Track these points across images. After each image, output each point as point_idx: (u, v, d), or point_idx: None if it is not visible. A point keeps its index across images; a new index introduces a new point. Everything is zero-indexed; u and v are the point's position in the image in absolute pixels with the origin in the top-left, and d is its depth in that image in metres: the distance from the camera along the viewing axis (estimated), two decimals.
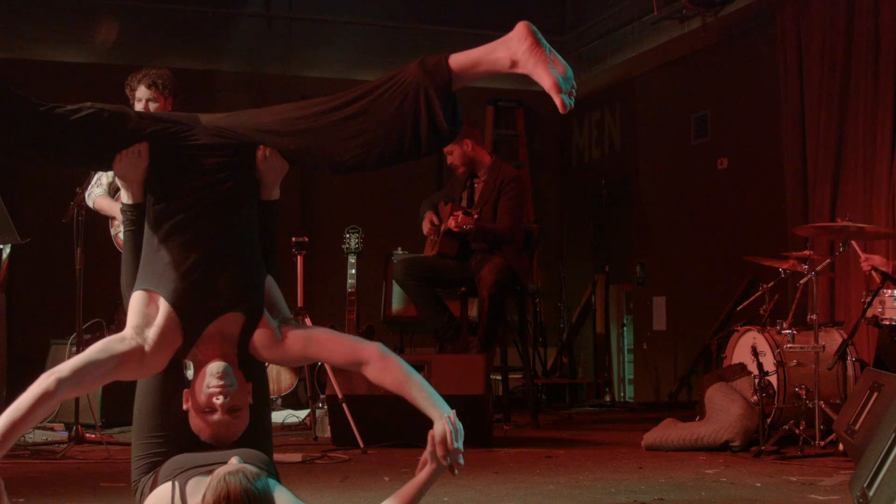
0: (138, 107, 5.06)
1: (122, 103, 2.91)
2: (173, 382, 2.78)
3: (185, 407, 2.73)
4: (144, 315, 2.73)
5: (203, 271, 2.76)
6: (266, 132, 2.86)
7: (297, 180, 8.74)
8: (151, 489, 2.66)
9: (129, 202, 2.90)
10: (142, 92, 5.10)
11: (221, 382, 2.68)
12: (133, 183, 2.86)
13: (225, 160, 2.84)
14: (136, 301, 2.77)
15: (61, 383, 2.61)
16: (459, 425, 2.82)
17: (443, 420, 2.82)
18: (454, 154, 6.34)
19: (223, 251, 2.80)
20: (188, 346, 2.75)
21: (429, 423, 4.28)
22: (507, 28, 2.89)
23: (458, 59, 2.79)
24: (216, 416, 2.69)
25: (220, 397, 2.68)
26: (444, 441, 2.81)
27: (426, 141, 2.76)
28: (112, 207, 5.36)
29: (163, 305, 2.72)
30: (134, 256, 2.88)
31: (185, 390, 2.74)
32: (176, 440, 2.75)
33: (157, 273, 2.76)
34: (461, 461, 2.80)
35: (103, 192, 5.36)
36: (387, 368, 2.79)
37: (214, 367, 2.71)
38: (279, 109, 2.92)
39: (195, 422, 2.71)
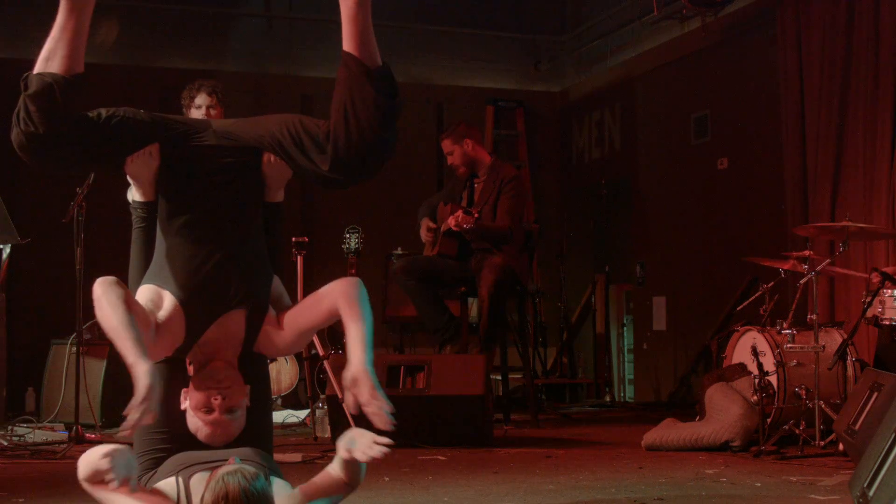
0: (197, 113, 5.13)
1: (122, 103, 2.93)
2: (178, 379, 2.79)
3: (182, 406, 2.74)
4: (152, 301, 2.74)
5: (211, 268, 2.79)
6: (267, 142, 2.89)
7: (298, 181, 8.71)
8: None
9: (140, 200, 2.94)
10: (202, 99, 5.18)
11: (220, 383, 2.69)
12: (145, 182, 2.90)
13: (233, 161, 2.89)
14: (143, 290, 2.79)
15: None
16: (376, 381, 2.67)
17: (359, 367, 2.67)
18: (454, 154, 6.35)
19: (231, 249, 2.83)
20: (189, 343, 2.76)
21: (428, 425, 4.35)
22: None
23: (346, 43, 2.84)
24: (213, 416, 2.69)
25: (218, 397, 2.69)
26: (354, 383, 2.66)
27: (375, 122, 2.73)
28: None
29: (168, 299, 2.74)
30: (142, 253, 2.92)
31: (184, 389, 2.75)
32: (179, 436, 2.77)
33: (166, 270, 2.78)
34: (384, 419, 2.63)
35: None
36: (344, 305, 2.78)
37: (213, 367, 2.72)
38: (279, 119, 2.92)
39: (192, 421, 2.72)
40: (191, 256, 2.79)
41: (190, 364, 2.82)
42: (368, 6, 2.74)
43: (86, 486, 2.53)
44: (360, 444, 2.61)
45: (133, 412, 2.43)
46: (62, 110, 2.66)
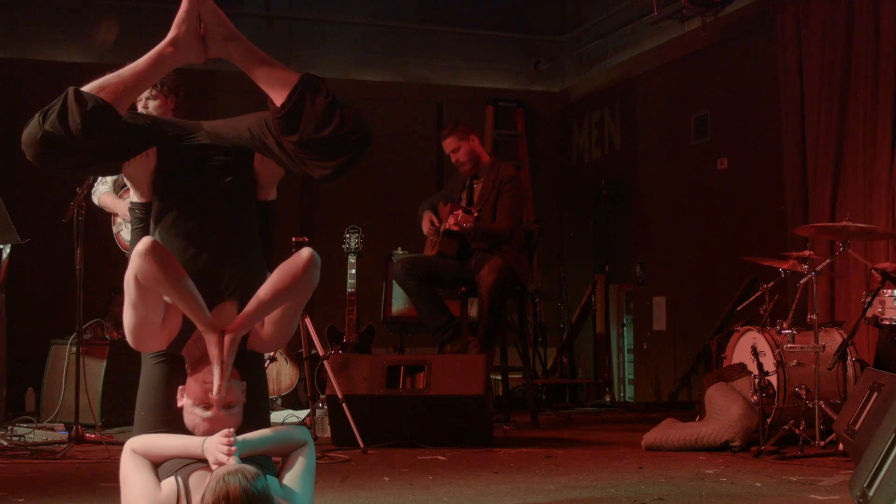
0: (138, 106, 5.08)
1: None
2: (176, 378, 2.79)
3: (179, 404, 2.74)
4: None
5: (204, 262, 2.82)
6: (254, 143, 2.91)
7: (298, 181, 8.74)
8: None
9: (138, 201, 2.96)
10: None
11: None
12: (142, 183, 2.93)
13: (225, 161, 2.93)
14: None
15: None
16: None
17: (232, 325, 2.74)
18: (461, 150, 6.31)
19: (223, 243, 2.86)
20: (185, 336, 2.77)
21: (430, 426, 4.29)
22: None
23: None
24: (211, 413, 2.70)
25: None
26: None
27: (298, 156, 2.78)
28: (115, 205, 5.39)
29: None
30: None
31: (180, 387, 2.76)
32: (182, 433, 2.77)
33: None
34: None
35: (108, 189, 5.39)
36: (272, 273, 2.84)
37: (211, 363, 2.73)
38: (260, 117, 2.94)
39: (190, 418, 2.73)
40: (184, 250, 2.82)
41: (186, 361, 2.82)
42: (243, 51, 2.86)
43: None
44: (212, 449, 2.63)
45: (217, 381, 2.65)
46: (100, 133, 2.72)
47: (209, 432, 2.70)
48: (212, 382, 2.69)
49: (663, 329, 8.41)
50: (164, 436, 2.71)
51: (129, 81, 2.78)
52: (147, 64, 2.82)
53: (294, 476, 2.70)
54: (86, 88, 2.73)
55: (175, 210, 2.86)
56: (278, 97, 2.77)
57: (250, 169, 2.97)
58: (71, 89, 2.71)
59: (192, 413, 2.72)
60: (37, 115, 2.72)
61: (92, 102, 2.69)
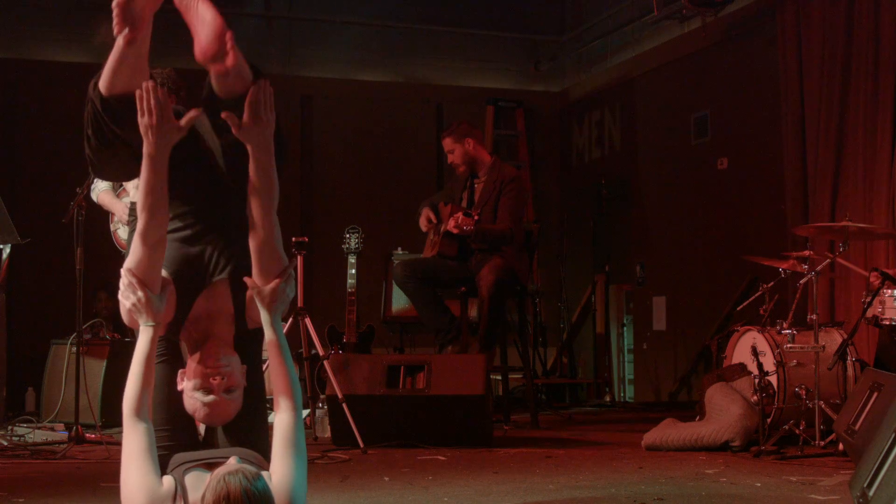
0: None
1: None
2: (175, 368, 2.79)
3: (179, 387, 2.74)
4: None
5: (196, 242, 2.85)
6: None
7: (297, 181, 8.75)
8: None
9: None
10: None
11: (218, 363, 2.69)
12: None
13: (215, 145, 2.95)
14: None
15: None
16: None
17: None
18: (455, 153, 6.34)
19: (217, 225, 2.88)
20: (179, 319, 2.77)
21: (430, 426, 4.25)
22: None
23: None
24: (211, 397, 2.69)
25: (217, 377, 2.69)
26: None
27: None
28: (113, 204, 5.40)
29: (163, 272, 2.79)
30: None
31: (180, 370, 2.75)
32: (182, 433, 2.77)
33: None
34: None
35: (107, 188, 5.40)
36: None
37: (211, 347, 2.73)
38: None
39: (190, 402, 2.72)
40: (176, 230, 2.84)
41: (185, 345, 2.82)
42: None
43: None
44: None
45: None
46: (132, 124, 2.73)
47: (210, 417, 2.70)
48: (212, 367, 2.67)
49: (663, 329, 8.41)
50: (129, 376, 2.67)
51: (127, 56, 2.85)
52: (123, 42, 2.87)
53: (285, 461, 2.63)
54: (102, 84, 2.77)
55: (170, 191, 2.87)
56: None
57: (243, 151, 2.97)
58: (96, 101, 2.75)
59: (192, 397, 2.71)
60: (85, 138, 2.81)
61: (114, 105, 2.75)
